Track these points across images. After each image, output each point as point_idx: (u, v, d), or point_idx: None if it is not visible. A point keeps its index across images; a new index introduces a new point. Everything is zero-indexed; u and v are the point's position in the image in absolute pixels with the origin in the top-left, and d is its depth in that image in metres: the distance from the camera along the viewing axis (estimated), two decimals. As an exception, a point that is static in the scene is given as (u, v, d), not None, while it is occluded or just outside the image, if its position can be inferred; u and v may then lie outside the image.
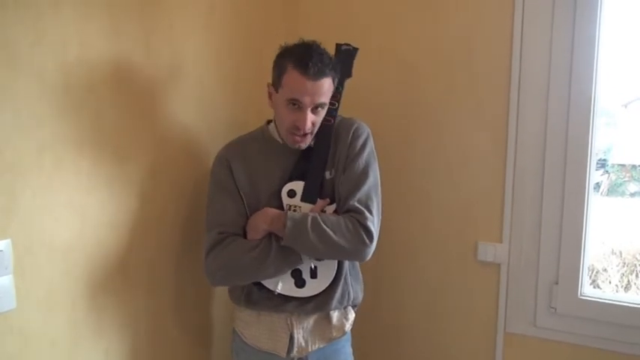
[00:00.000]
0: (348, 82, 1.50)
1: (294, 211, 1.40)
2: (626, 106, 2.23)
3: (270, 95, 1.42)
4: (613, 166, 2.29)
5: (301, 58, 1.30)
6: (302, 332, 1.45)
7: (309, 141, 1.41)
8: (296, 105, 1.34)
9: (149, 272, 1.46)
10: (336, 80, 1.40)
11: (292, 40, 1.39)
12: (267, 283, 1.41)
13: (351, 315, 1.53)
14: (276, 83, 1.37)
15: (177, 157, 1.54)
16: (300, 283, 1.41)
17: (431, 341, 1.93)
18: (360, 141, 1.43)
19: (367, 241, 1.33)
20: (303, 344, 1.45)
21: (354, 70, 1.49)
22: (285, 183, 1.42)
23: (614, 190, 2.31)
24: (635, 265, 2.28)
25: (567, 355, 1.74)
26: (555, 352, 1.75)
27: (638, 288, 2.27)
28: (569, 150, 1.66)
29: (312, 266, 1.40)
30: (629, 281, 2.29)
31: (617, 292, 2.22)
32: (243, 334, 1.51)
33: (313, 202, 1.40)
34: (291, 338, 1.45)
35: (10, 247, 1.08)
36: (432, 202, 1.87)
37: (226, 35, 1.70)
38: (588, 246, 1.71)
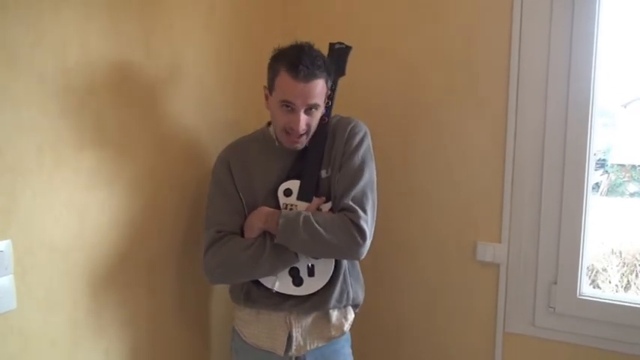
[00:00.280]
0: (346, 82, 1.51)
1: (291, 209, 1.40)
2: (625, 107, 2.23)
3: (266, 97, 1.44)
4: (612, 166, 2.29)
5: (292, 61, 1.31)
6: (300, 331, 1.46)
7: (305, 142, 1.42)
8: (289, 107, 1.35)
9: (149, 272, 1.47)
10: (330, 81, 1.41)
11: (292, 41, 1.40)
12: (265, 281, 1.42)
13: (351, 315, 1.53)
14: (270, 86, 1.40)
15: (178, 157, 1.54)
16: (297, 281, 1.41)
17: (430, 341, 1.93)
18: (357, 139, 1.43)
19: (359, 240, 1.33)
20: (302, 343, 1.46)
21: (347, 69, 1.50)
22: (282, 182, 1.43)
23: (613, 190, 2.31)
24: (635, 265, 2.28)
25: (566, 355, 1.74)
26: (554, 351, 1.75)
27: (637, 288, 2.27)
28: (568, 150, 1.66)
29: (310, 264, 1.40)
30: (628, 281, 2.29)
31: (616, 292, 2.22)
32: (243, 333, 1.52)
33: (309, 200, 1.41)
34: (290, 337, 1.45)
35: (11, 247, 1.09)
36: (432, 202, 1.87)
37: (226, 35, 1.71)
38: (587, 246, 1.72)
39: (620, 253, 2.32)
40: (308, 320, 1.46)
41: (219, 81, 1.69)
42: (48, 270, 1.18)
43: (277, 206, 1.42)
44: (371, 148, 1.46)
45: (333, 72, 1.44)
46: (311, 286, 1.41)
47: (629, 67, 1.89)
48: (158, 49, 1.44)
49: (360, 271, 1.56)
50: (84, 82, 1.23)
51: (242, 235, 1.43)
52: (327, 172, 1.43)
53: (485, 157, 1.78)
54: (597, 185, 2.21)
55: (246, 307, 1.49)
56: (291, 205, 1.41)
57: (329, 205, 1.41)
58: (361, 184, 1.38)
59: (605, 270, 2.28)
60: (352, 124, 1.46)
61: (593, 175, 1.71)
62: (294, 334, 1.45)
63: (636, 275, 2.25)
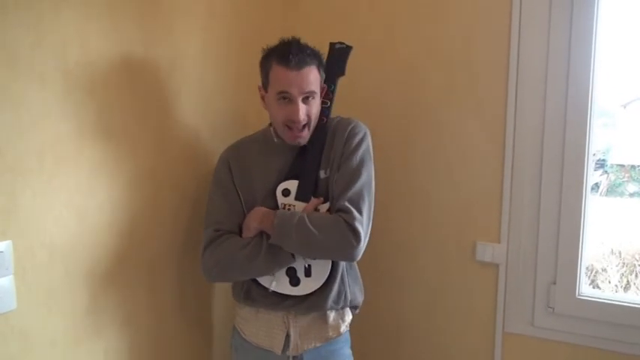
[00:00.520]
0: (346, 82, 1.51)
1: (289, 209, 1.41)
2: (625, 107, 2.23)
3: (262, 97, 1.45)
4: (612, 166, 2.29)
5: (282, 52, 1.35)
6: (298, 331, 1.46)
7: (307, 136, 1.42)
8: (286, 98, 1.36)
9: (149, 272, 1.47)
10: (322, 69, 1.42)
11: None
12: (262, 281, 1.42)
13: (348, 316, 1.53)
14: (265, 83, 1.41)
15: (178, 157, 1.54)
16: (294, 281, 1.42)
17: (430, 341, 1.93)
18: (356, 140, 1.43)
19: (353, 241, 1.32)
20: (299, 342, 1.46)
21: (347, 69, 1.50)
22: (280, 182, 1.43)
23: (613, 190, 2.31)
24: (635, 266, 2.28)
25: (565, 355, 1.74)
26: (553, 351, 1.76)
27: (637, 288, 2.27)
28: (567, 150, 1.67)
29: (307, 265, 1.41)
30: (628, 281, 2.29)
31: (616, 292, 2.22)
32: (242, 331, 1.52)
33: (307, 200, 1.41)
34: (287, 336, 1.46)
35: (11, 247, 1.09)
36: (431, 203, 1.88)
37: (226, 36, 1.71)
38: (586, 246, 1.72)
39: (620, 253, 2.31)
40: (305, 320, 1.47)
41: (218, 81, 1.69)
42: (48, 270, 1.18)
43: (276, 206, 1.43)
44: (370, 149, 1.47)
45: (332, 71, 1.45)
46: (308, 286, 1.42)
47: (629, 67, 1.89)
48: (158, 50, 1.45)
49: (358, 273, 1.56)
50: (84, 83, 1.23)
51: (240, 234, 1.44)
52: (325, 173, 1.43)
53: (484, 157, 1.79)
54: (597, 185, 2.21)
55: (246, 305, 1.50)
56: (290, 205, 1.42)
57: (327, 205, 1.42)
58: (358, 185, 1.38)
59: (604, 270, 2.28)
60: (352, 125, 1.46)
61: (593, 176, 1.71)
62: (291, 334, 1.46)
63: (636, 275, 2.25)
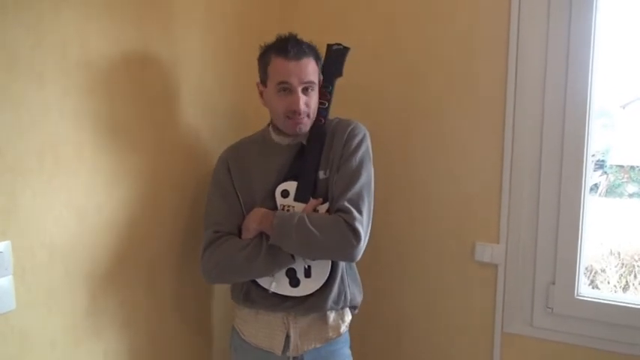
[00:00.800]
0: (344, 83, 1.51)
1: (288, 210, 1.41)
2: (624, 107, 2.23)
3: (261, 94, 1.46)
4: (611, 167, 2.29)
5: (280, 45, 1.38)
6: (298, 331, 1.46)
7: (308, 124, 1.43)
8: (286, 89, 1.38)
9: (149, 272, 1.47)
10: (320, 64, 1.44)
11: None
12: (262, 282, 1.42)
13: (348, 316, 1.54)
14: (264, 77, 1.43)
15: (177, 157, 1.55)
16: (294, 282, 1.42)
17: (429, 341, 1.93)
18: (356, 141, 1.44)
19: (353, 241, 1.33)
20: (299, 343, 1.46)
21: (346, 69, 1.50)
22: (280, 183, 1.44)
23: (612, 191, 2.31)
24: (634, 266, 2.28)
25: (564, 355, 1.74)
26: (552, 352, 1.76)
27: (636, 289, 2.27)
28: (566, 151, 1.67)
29: (306, 266, 1.41)
30: (627, 282, 2.29)
31: (615, 292, 2.22)
32: (242, 332, 1.52)
33: (306, 201, 1.41)
34: (287, 337, 1.46)
35: (10, 248, 1.09)
36: (430, 203, 1.88)
37: (225, 36, 1.71)
38: (585, 246, 1.72)
39: (619, 254, 2.31)
40: (305, 321, 1.47)
41: (218, 80, 1.70)
42: (47, 270, 1.18)
43: (275, 207, 1.43)
44: (370, 150, 1.47)
45: (330, 72, 1.46)
46: (308, 287, 1.42)
47: (628, 68, 1.89)
48: (157, 50, 1.45)
49: (357, 273, 1.56)
50: (84, 83, 1.23)
51: (240, 235, 1.44)
52: (325, 174, 1.44)
53: (483, 157, 1.79)
54: (596, 186, 2.21)
55: (245, 306, 1.50)
56: (289, 206, 1.42)
57: (326, 206, 1.42)
58: (358, 185, 1.39)
59: (603, 271, 2.28)
60: (352, 126, 1.46)
61: (592, 176, 1.72)
62: (291, 335, 1.46)
63: (635, 276, 2.25)
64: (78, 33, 1.21)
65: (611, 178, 2.29)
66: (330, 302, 1.44)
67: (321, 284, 1.42)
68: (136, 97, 1.39)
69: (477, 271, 1.83)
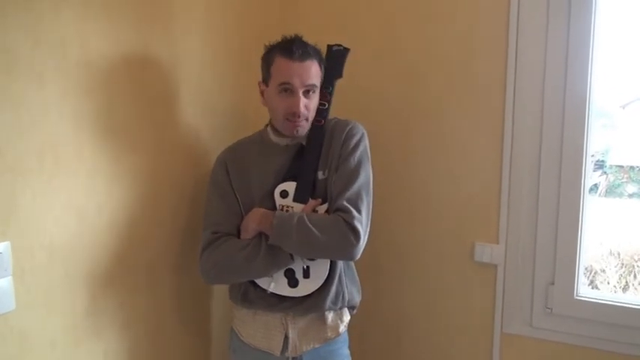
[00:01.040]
0: (343, 84, 1.51)
1: (287, 211, 1.41)
2: (623, 108, 2.23)
3: (262, 93, 1.46)
4: (611, 167, 2.29)
5: (285, 45, 1.38)
6: (296, 332, 1.47)
7: (306, 127, 1.43)
8: (288, 90, 1.38)
9: (148, 273, 1.47)
10: (323, 67, 1.44)
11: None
12: (261, 282, 1.43)
13: (346, 316, 1.54)
14: (266, 77, 1.43)
15: (177, 158, 1.55)
16: (293, 282, 1.42)
17: (429, 341, 1.93)
18: (354, 140, 1.44)
19: (353, 240, 1.33)
20: (298, 344, 1.47)
21: (346, 70, 1.50)
22: (278, 183, 1.44)
23: (612, 191, 2.31)
24: (633, 266, 2.28)
25: (564, 355, 1.75)
26: (552, 352, 1.76)
27: (635, 289, 2.27)
28: (565, 151, 1.67)
29: (305, 266, 1.41)
30: (627, 282, 2.29)
31: (615, 292, 2.22)
32: (240, 333, 1.53)
33: (305, 202, 1.41)
34: (286, 337, 1.46)
35: (10, 248, 1.09)
36: (430, 203, 1.88)
37: (225, 36, 1.72)
38: (584, 246, 1.72)
39: (619, 254, 2.31)
40: (304, 321, 1.47)
41: (217, 81, 1.70)
42: (47, 271, 1.18)
43: (274, 208, 1.43)
44: (368, 150, 1.47)
45: (330, 73, 1.46)
46: (306, 287, 1.42)
47: (628, 68, 1.89)
48: (157, 50, 1.45)
49: (355, 273, 1.57)
50: (83, 83, 1.24)
51: (239, 236, 1.44)
52: (324, 174, 1.44)
53: (483, 158, 1.79)
54: (596, 186, 2.21)
55: (243, 307, 1.50)
56: (288, 206, 1.42)
57: (325, 206, 1.42)
58: (356, 185, 1.39)
59: (603, 271, 2.28)
60: (350, 126, 1.47)
61: (592, 176, 1.72)
62: (290, 335, 1.46)
63: (634, 276, 2.25)
64: (77, 33, 1.21)
65: (611, 178, 2.29)
66: (328, 302, 1.44)
67: (319, 285, 1.42)
68: (135, 97, 1.40)
69: (477, 272, 1.83)
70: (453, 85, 1.81)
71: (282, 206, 1.43)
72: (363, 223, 1.36)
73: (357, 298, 1.56)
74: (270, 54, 1.42)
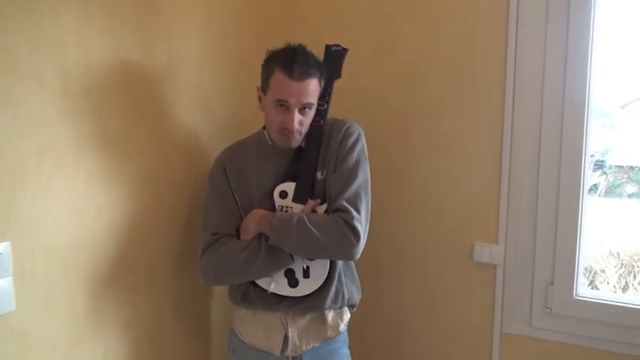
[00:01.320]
0: (343, 84, 1.51)
1: (286, 211, 1.41)
2: (623, 108, 2.23)
3: (259, 98, 1.46)
4: (611, 167, 2.29)
5: (286, 60, 1.34)
6: (296, 331, 1.47)
7: (299, 140, 1.43)
8: (284, 106, 1.37)
9: (148, 273, 1.48)
10: (323, 81, 1.43)
11: (289, 41, 1.42)
12: (261, 283, 1.43)
13: (346, 315, 1.54)
14: (265, 86, 1.41)
15: (176, 158, 1.55)
16: (293, 282, 1.42)
17: (428, 341, 1.94)
18: (351, 140, 1.44)
19: (353, 240, 1.34)
20: (298, 343, 1.47)
21: (343, 71, 1.50)
22: (278, 184, 1.44)
23: (611, 191, 2.31)
24: (633, 267, 2.28)
25: (563, 355, 1.75)
26: (551, 352, 1.76)
27: (635, 289, 2.27)
28: (564, 151, 1.67)
29: (305, 266, 1.41)
30: (626, 282, 2.29)
31: (615, 293, 2.22)
32: (240, 332, 1.53)
33: (304, 202, 1.42)
34: (286, 337, 1.47)
35: (10, 249, 1.10)
36: (429, 204, 1.88)
37: (224, 37, 1.72)
38: (583, 247, 1.73)
39: (619, 254, 2.31)
40: (304, 321, 1.47)
41: (216, 83, 1.70)
42: (47, 272, 1.19)
43: (273, 208, 1.44)
44: (365, 149, 1.47)
45: (329, 74, 1.45)
46: (306, 287, 1.42)
47: (628, 68, 1.89)
48: (156, 51, 1.45)
49: (355, 272, 1.57)
50: (83, 85, 1.24)
51: (238, 237, 1.44)
52: (322, 174, 1.44)
53: (482, 158, 1.79)
54: (595, 186, 2.21)
55: (243, 307, 1.51)
56: (287, 207, 1.42)
57: (324, 207, 1.42)
58: (355, 185, 1.39)
59: (603, 271, 2.28)
60: (346, 126, 1.47)
61: (591, 177, 1.72)
62: (290, 335, 1.46)
63: (634, 276, 2.25)
64: (77, 35, 1.22)
65: (611, 178, 2.29)
66: (328, 302, 1.45)
67: (319, 284, 1.43)
68: (135, 98, 1.40)
69: (476, 272, 1.83)
70: (453, 85, 1.81)
71: (282, 207, 1.43)
72: (362, 223, 1.37)
73: (357, 297, 1.56)
74: (271, 65, 1.39)
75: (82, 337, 1.29)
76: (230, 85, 1.75)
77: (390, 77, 1.90)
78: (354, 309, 1.58)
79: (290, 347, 1.47)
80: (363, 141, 1.47)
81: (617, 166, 2.30)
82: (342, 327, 1.52)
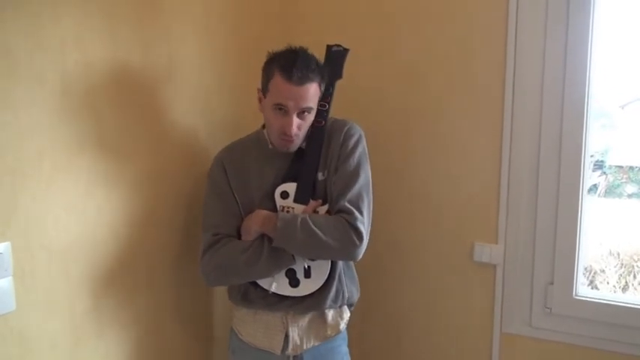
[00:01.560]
0: (343, 84, 1.51)
1: (287, 212, 1.41)
2: (623, 108, 2.23)
3: (259, 100, 1.45)
4: (610, 167, 2.29)
5: (286, 64, 1.33)
6: (297, 330, 1.47)
7: (297, 144, 1.43)
8: (282, 110, 1.37)
9: (148, 273, 1.48)
10: (324, 84, 1.42)
11: (289, 42, 1.42)
12: (262, 283, 1.43)
13: (346, 314, 1.54)
14: (265, 88, 1.41)
15: (176, 159, 1.55)
16: (294, 282, 1.42)
17: (428, 341, 1.94)
18: (352, 141, 1.44)
19: (356, 241, 1.34)
20: (298, 342, 1.47)
21: (344, 72, 1.50)
22: (279, 184, 1.44)
23: (611, 191, 2.31)
24: (633, 266, 2.28)
25: (563, 355, 1.75)
26: (551, 352, 1.77)
27: (635, 289, 2.27)
28: (564, 151, 1.67)
29: (306, 266, 1.42)
30: (626, 282, 2.29)
31: (615, 292, 2.22)
32: (240, 332, 1.53)
33: (306, 203, 1.42)
34: (287, 336, 1.47)
35: (10, 249, 1.10)
36: (429, 204, 1.88)
37: (223, 37, 1.72)
38: (583, 246, 1.73)
39: (618, 254, 2.31)
40: (304, 320, 1.48)
41: (216, 82, 1.70)
42: (47, 272, 1.19)
43: (274, 208, 1.43)
44: (366, 149, 1.48)
45: (330, 75, 1.45)
46: (307, 287, 1.42)
47: (627, 68, 1.89)
48: (156, 52, 1.46)
49: (354, 271, 1.57)
50: (82, 86, 1.24)
51: (239, 236, 1.44)
52: (323, 175, 1.44)
53: (482, 158, 1.79)
54: (595, 186, 2.21)
55: (243, 307, 1.51)
56: (288, 207, 1.42)
57: (325, 207, 1.42)
58: (357, 186, 1.40)
59: (603, 271, 2.28)
60: (348, 127, 1.47)
61: (591, 177, 1.72)
62: (290, 334, 1.47)
63: (634, 276, 2.25)
64: (77, 36, 1.22)
65: (611, 178, 2.29)
66: (329, 301, 1.45)
67: (320, 284, 1.43)
68: (134, 99, 1.40)
69: (476, 272, 1.83)
70: (453, 85, 1.81)
71: (283, 207, 1.43)
72: (365, 224, 1.37)
73: (356, 296, 1.56)
74: (271, 67, 1.38)
75: (82, 337, 1.29)
76: (230, 86, 1.76)
77: (390, 77, 1.90)
78: (352, 307, 1.58)
79: (291, 346, 1.47)
80: (363, 142, 1.48)
81: (616, 166, 2.30)
82: (343, 326, 1.53)
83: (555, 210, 1.70)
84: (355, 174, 1.41)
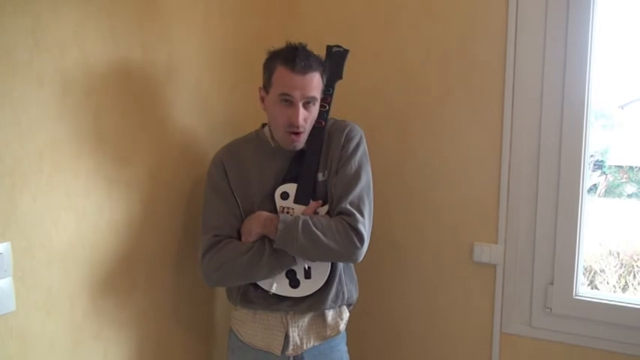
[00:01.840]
0: (342, 84, 1.51)
1: (287, 213, 1.41)
2: (623, 108, 2.23)
3: (262, 99, 1.45)
4: (610, 167, 2.29)
5: (288, 56, 1.35)
6: (297, 331, 1.47)
7: (303, 140, 1.43)
8: (287, 101, 1.37)
9: (148, 274, 1.48)
10: (325, 77, 1.43)
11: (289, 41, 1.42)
12: (262, 284, 1.43)
13: (346, 314, 1.54)
14: (267, 84, 1.41)
15: (175, 159, 1.55)
16: (294, 283, 1.42)
17: (428, 341, 1.94)
18: (353, 143, 1.44)
19: (358, 243, 1.34)
20: (298, 342, 1.47)
21: (344, 72, 1.50)
22: (279, 185, 1.44)
23: (611, 191, 2.31)
24: (633, 266, 2.28)
25: (563, 355, 1.75)
26: (551, 351, 1.76)
27: (635, 289, 2.27)
28: (564, 151, 1.67)
29: (306, 267, 1.41)
30: (626, 282, 2.29)
31: (614, 292, 2.22)
32: (239, 332, 1.53)
33: (306, 203, 1.42)
34: (287, 336, 1.47)
35: (10, 249, 1.10)
36: (429, 204, 1.88)
37: (223, 38, 1.72)
38: (583, 246, 1.73)
39: (618, 254, 2.32)
40: (304, 320, 1.48)
41: (216, 82, 1.70)
42: (47, 272, 1.19)
43: (274, 209, 1.43)
44: (367, 151, 1.48)
45: (330, 75, 1.46)
46: (307, 288, 1.42)
47: (627, 68, 1.90)
48: (155, 53, 1.45)
49: (354, 271, 1.57)
50: (82, 86, 1.24)
51: (239, 237, 1.44)
52: (323, 176, 1.44)
53: (481, 158, 1.79)
54: (595, 186, 2.21)
55: (243, 307, 1.51)
56: (288, 208, 1.42)
57: (326, 208, 1.42)
58: (358, 188, 1.40)
59: (603, 271, 2.28)
60: (348, 128, 1.47)
61: (591, 177, 1.72)
62: (290, 334, 1.46)
63: (634, 276, 2.26)
64: (76, 35, 1.22)
65: (610, 178, 2.29)
66: (329, 302, 1.45)
67: (320, 285, 1.43)
68: (134, 98, 1.40)
69: (476, 272, 1.83)
70: (453, 86, 1.81)
71: (283, 208, 1.43)
72: (366, 226, 1.37)
73: (355, 296, 1.56)
74: (273, 62, 1.39)
75: (81, 337, 1.29)
76: (229, 85, 1.76)
77: (390, 77, 1.90)
78: (351, 307, 1.58)
79: (291, 347, 1.47)
80: (364, 143, 1.48)
81: (616, 166, 2.31)
82: (342, 326, 1.53)
83: (555, 210, 1.70)
84: (356, 176, 1.41)
